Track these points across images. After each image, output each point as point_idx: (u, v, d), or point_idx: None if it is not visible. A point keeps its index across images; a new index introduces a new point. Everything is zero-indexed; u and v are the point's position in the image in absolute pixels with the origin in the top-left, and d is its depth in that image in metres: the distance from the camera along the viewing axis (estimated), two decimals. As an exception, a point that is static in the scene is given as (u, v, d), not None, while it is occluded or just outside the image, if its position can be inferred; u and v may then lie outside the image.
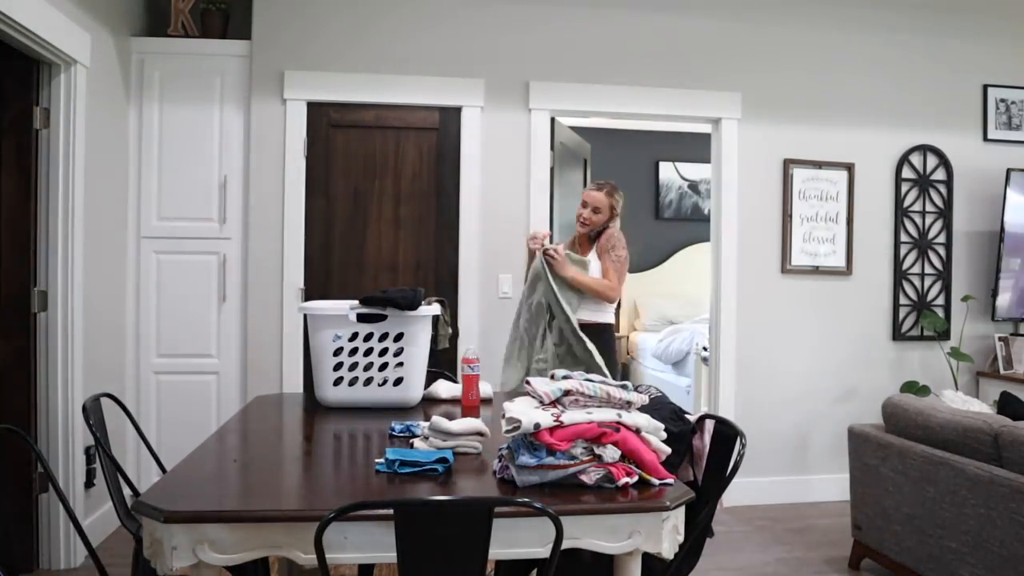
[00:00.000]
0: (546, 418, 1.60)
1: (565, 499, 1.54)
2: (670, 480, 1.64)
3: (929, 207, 4.42)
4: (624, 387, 1.73)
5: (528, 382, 1.77)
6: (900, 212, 4.38)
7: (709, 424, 2.11)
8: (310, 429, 2.31)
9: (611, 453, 1.61)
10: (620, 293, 3.37)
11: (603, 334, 3.31)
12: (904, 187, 4.38)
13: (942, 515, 2.68)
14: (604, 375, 2.91)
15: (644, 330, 7.11)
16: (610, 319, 3.39)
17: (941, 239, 4.43)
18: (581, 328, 3.20)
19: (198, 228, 3.83)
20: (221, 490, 1.53)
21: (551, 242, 3.39)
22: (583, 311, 3.29)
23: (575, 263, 3.29)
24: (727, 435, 2.01)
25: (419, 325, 2.58)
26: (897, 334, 4.38)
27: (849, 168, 4.31)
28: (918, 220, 4.40)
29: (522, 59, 4.02)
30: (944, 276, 4.44)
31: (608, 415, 1.65)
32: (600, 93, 4.07)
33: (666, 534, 1.57)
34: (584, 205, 3.39)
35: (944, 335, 4.36)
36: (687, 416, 2.14)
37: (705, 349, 4.88)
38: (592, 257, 3.36)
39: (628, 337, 7.28)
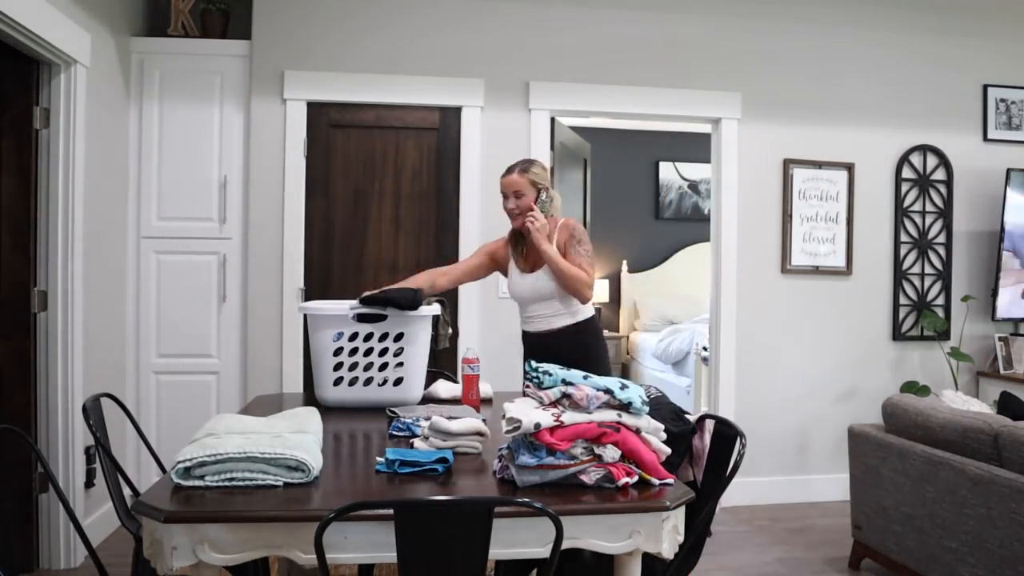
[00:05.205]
0: (546, 418, 1.60)
1: (565, 499, 1.54)
2: (670, 480, 1.64)
3: (929, 207, 4.42)
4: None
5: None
6: (900, 212, 4.38)
7: (709, 424, 2.11)
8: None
9: (611, 453, 1.61)
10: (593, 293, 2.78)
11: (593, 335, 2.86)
12: (904, 187, 4.38)
13: (942, 515, 2.68)
14: None
15: (644, 330, 7.11)
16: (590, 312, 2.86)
17: (941, 239, 4.43)
18: (560, 333, 2.77)
19: (198, 228, 3.83)
20: (221, 490, 1.53)
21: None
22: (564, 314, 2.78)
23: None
24: (727, 435, 2.01)
25: (419, 325, 2.58)
26: (897, 334, 4.38)
27: (849, 168, 4.31)
28: (918, 220, 4.40)
29: (522, 59, 4.02)
30: (944, 276, 4.43)
31: (608, 415, 1.65)
32: (600, 93, 4.07)
33: (666, 534, 1.57)
34: (505, 197, 2.80)
35: (944, 335, 4.36)
36: (687, 416, 2.14)
37: (705, 349, 4.88)
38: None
39: (628, 337, 7.28)
